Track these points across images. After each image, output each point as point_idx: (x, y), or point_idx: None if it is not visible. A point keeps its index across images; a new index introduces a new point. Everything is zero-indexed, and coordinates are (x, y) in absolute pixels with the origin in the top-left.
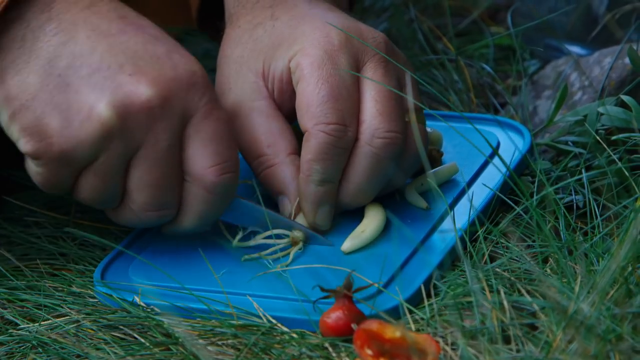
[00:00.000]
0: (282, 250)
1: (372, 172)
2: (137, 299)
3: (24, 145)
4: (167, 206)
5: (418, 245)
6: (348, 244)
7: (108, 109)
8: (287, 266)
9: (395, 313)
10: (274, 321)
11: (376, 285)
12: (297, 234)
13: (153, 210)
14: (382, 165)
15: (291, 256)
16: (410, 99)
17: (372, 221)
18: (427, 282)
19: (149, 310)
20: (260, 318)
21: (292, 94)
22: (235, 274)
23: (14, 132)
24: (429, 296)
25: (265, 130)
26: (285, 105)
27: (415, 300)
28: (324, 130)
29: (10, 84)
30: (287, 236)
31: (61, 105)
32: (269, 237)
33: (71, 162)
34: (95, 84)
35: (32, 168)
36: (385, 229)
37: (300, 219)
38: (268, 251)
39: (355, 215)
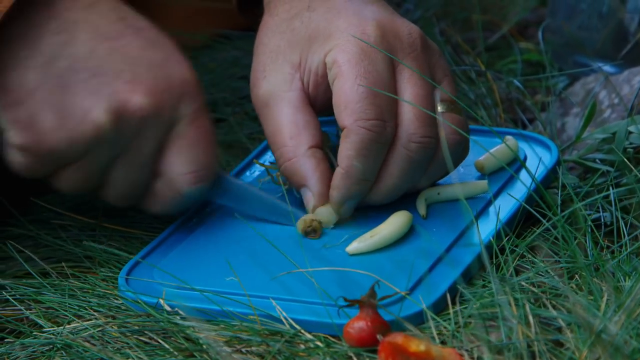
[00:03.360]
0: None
1: (405, 174)
2: (161, 302)
3: (14, 136)
4: (137, 199)
5: (442, 253)
6: (354, 246)
7: (103, 115)
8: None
9: (417, 319)
10: (297, 326)
11: (403, 293)
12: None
13: (124, 202)
14: (414, 166)
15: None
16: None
17: (386, 227)
18: (451, 291)
19: (173, 313)
20: (283, 322)
21: (327, 88)
22: (258, 276)
23: (5, 122)
24: (453, 304)
25: (291, 121)
26: (319, 99)
27: (439, 307)
28: (364, 126)
29: (9, 76)
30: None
31: (57, 106)
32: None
33: (58, 159)
34: (93, 89)
35: (16, 156)
36: (409, 236)
37: (325, 210)
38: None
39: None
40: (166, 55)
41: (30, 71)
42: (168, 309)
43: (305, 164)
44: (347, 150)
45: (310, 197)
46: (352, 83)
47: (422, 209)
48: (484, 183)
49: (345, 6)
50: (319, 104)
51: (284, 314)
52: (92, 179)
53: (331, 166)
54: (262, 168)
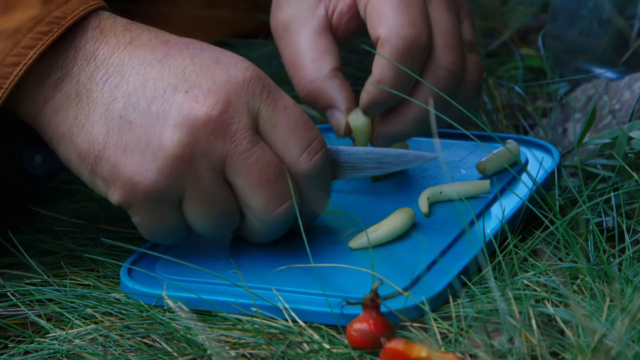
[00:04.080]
0: None
1: (431, 102)
2: (164, 296)
3: (113, 197)
4: (285, 196)
5: (443, 250)
6: (355, 241)
7: (176, 132)
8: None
9: (415, 312)
10: (297, 318)
11: (405, 293)
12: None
13: (275, 207)
14: (442, 94)
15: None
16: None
17: (389, 223)
18: (453, 291)
19: (175, 307)
20: (284, 314)
21: (352, 17)
22: (261, 269)
23: (100, 188)
24: (455, 307)
25: (313, 46)
26: (341, 28)
27: (438, 302)
28: (397, 33)
29: (79, 142)
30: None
31: (131, 145)
32: None
33: (160, 197)
34: (157, 113)
35: (135, 221)
36: (411, 233)
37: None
38: None
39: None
40: (217, 56)
41: (94, 126)
42: (170, 303)
43: (330, 84)
44: (380, 59)
45: (340, 116)
46: (386, 0)
47: (424, 207)
48: (486, 183)
49: None
50: (340, 33)
51: (286, 304)
52: (219, 202)
53: None
54: None
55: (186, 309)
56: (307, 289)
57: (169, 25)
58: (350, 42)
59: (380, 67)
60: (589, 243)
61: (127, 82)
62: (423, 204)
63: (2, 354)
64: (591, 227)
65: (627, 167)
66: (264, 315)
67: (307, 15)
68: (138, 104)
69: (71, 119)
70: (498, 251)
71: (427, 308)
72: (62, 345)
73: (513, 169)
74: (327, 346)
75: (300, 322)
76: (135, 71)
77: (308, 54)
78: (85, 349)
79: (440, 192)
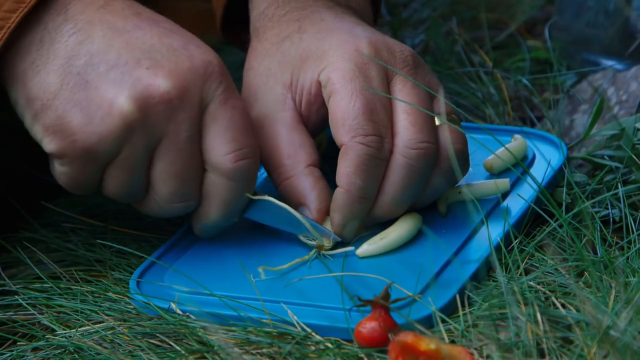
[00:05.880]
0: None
1: (407, 183)
2: (173, 306)
3: (48, 144)
4: (189, 197)
5: (452, 255)
6: (363, 249)
7: (128, 103)
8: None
9: (427, 322)
10: (308, 329)
11: (414, 296)
12: (326, 243)
13: (176, 202)
14: (416, 176)
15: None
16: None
17: (395, 229)
18: (461, 292)
19: (185, 316)
20: (295, 326)
21: (320, 106)
22: (271, 281)
23: (38, 132)
24: (462, 306)
25: (287, 141)
26: (312, 118)
27: (449, 310)
28: (362, 142)
29: (31, 86)
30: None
31: (82, 103)
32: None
33: (95, 158)
34: (114, 80)
35: (57, 168)
36: (419, 238)
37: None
38: (291, 263)
39: (391, 221)
40: (186, 41)
41: (50, 75)
42: (179, 312)
43: (303, 181)
44: (346, 168)
45: (308, 215)
46: (348, 100)
47: (442, 207)
48: (505, 181)
49: (336, 26)
50: (312, 123)
51: (296, 318)
52: (136, 176)
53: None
54: None
55: (195, 318)
56: (317, 301)
57: (176, 19)
58: (325, 126)
59: (346, 176)
60: (596, 236)
61: (92, 42)
62: (441, 204)
63: (12, 351)
64: (597, 220)
65: (634, 157)
66: (276, 327)
67: (277, 109)
68: (98, 66)
69: (28, 62)
70: (505, 252)
71: (439, 316)
72: (69, 342)
73: (520, 165)
74: (331, 346)
75: (308, 330)
76: (103, 34)
77: (283, 150)
78: (93, 345)
79: (459, 192)
